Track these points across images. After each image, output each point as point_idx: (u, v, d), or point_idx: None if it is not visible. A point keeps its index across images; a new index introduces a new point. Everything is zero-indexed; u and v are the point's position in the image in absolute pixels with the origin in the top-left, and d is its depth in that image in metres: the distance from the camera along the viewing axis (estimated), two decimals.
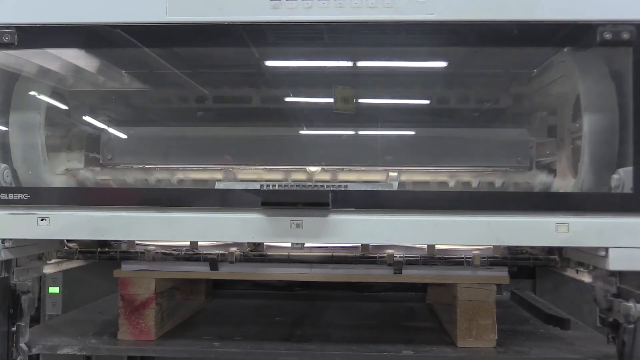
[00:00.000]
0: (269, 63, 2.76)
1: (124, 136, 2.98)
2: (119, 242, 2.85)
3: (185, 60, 2.81)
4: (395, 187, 2.50)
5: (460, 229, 2.24)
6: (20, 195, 2.32)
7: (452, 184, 2.82)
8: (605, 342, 2.35)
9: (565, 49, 2.44)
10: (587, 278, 2.54)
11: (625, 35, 2.15)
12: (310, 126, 2.89)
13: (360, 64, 2.77)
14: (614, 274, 2.28)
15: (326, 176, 2.86)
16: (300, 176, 2.86)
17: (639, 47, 2.15)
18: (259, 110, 2.99)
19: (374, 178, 2.88)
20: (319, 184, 2.37)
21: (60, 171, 2.84)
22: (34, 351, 2.52)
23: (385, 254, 2.63)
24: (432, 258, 2.64)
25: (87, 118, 3.03)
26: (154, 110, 3.10)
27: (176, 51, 2.65)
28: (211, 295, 3.55)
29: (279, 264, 2.71)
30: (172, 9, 2.27)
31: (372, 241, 2.53)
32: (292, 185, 2.35)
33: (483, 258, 2.60)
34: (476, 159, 2.82)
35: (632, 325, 2.18)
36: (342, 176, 2.87)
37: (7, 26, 2.29)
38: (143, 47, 2.42)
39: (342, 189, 2.29)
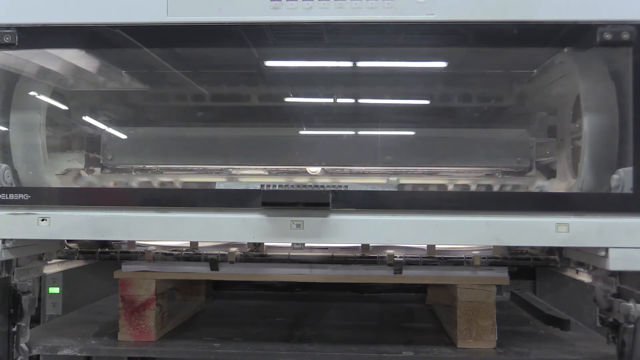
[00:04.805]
0: (269, 63, 2.76)
1: (124, 136, 2.98)
2: (119, 242, 2.85)
3: (185, 61, 2.82)
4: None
5: (460, 229, 2.24)
6: (20, 196, 2.32)
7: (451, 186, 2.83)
8: (605, 342, 2.35)
9: (565, 50, 2.44)
10: (587, 278, 2.54)
11: (625, 36, 2.15)
12: (310, 126, 2.89)
13: (360, 64, 2.78)
14: (614, 274, 2.28)
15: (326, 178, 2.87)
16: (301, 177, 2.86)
17: (639, 47, 2.16)
18: (259, 110, 3.00)
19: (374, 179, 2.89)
20: (319, 184, 2.36)
21: (61, 171, 2.84)
22: (35, 352, 2.52)
23: (386, 254, 2.63)
24: (432, 258, 2.64)
25: (87, 118, 3.04)
26: (155, 111, 3.10)
27: (176, 51, 2.65)
28: (211, 296, 3.55)
29: (279, 264, 2.71)
30: (172, 10, 2.27)
31: (373, 241, 2.53)
32: (292, 185, 2.35)
33: (483, 258, 2.60)
34: (476, 160, 2.82)
35: (632, 326, 2.18)
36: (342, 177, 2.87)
37: (8, 26, 2.29)
38: (143, 48, 2.43)
39: (343, 189, 2.29)
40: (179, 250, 2.73)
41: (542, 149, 2.85)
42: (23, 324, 2.44)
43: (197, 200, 2.33)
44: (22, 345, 2.45)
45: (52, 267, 2.82)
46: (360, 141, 2.99)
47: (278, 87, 2.95)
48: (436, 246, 2.66)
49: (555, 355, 2.49)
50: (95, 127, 3.03)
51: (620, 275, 2.27)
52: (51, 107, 2.72)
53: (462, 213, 2.25)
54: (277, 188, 2.30)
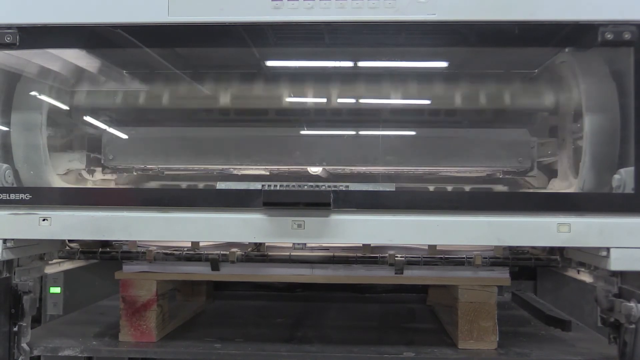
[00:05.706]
0: (270, 63, 2.76)
1: (125, 136, 2.98)
2: (120, 242, 2.85)
3: (186, 60, 2.82)
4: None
5: (461, 229, 2.24)
6: (21, 196, 2.32)
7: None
8: (607, 343, 2.35)
9: (567, 49, 2.44)
10: (588, 278, 2.54)
11: (627, 36, 2.16)
12: (311, 126, 2.89)
13: (361, 64, 2.78)
14: (615, 274, 2.28)
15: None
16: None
17: None
18: (260, 110, 2.99)
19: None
20: (320, 184, 2.36)
21: (62, 171, 2.84)
22: (36, 352, 2.52)
23: (387, 255, 2.63)
24: (433, 258, 2.63)
25: (88, 118, 3.03)
26: (156, 111, 3.10)
27: (177, 51, 2.65)
28: (212, 297, 3.55)
29: (280, 264, 2.71)
30: (173, 9, 2.27)
31: (374, 241, 2.52)
32: (293, 186, 2.35)
33: (484, 258, 2.60)
34: (477, 160, 2.82)
35: (633, 326, 2.18)
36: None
37: (9, 26, 2.29)
38: (145, 48, 2.43)
39: (344, 189, 2.29)
40: (180, 250, 2.73)
41: (543, 149, 2.84)
42: (24, 324, 2.45)
43: (198, 200, 2.34)
44: (23, 345, 2.45)
45: (53, 267, 2.83)
46: (361, 141, 2.99)
47: (279, 86, 2.95)
48: (437, 246, 2.66)
49: (556, 356, 2.49)
50: (96, 127, 3.02)
51: (622, 275, 2.27)
52: (52, 107, 2.72)
53: (464, 213, 2.25)
54: (278, 188, 2.30)
